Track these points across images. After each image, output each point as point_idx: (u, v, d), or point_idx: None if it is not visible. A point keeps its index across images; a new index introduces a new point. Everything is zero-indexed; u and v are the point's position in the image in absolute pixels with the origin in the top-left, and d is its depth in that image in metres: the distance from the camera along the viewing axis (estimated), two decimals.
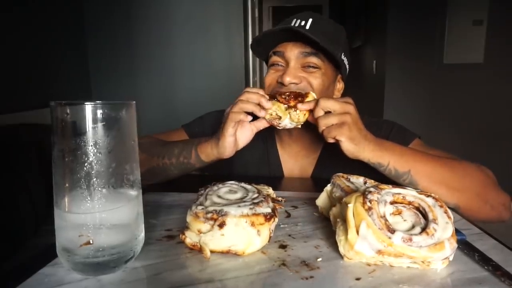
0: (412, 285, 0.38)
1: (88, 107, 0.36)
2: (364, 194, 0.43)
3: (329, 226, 0.52)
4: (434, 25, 2.43)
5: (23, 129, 1.32)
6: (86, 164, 0.36)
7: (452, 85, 2.47)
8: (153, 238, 0.49)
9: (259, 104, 0.67)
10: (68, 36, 1.88)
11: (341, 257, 0.43)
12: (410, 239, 0.39)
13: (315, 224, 0.54)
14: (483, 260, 0.42)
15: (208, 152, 0.71)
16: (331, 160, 0.85)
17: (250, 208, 0.45)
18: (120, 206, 0.38)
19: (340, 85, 0.84)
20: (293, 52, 0.75)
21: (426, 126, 2.47)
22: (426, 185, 0.64)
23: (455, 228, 0.41)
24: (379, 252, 0.40)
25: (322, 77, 0.75)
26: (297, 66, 0.75)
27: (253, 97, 0.67)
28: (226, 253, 0.44)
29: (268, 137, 0.88)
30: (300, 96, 0.67)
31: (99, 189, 0.37)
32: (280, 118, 0.67)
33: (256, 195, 0.49)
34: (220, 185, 0.53)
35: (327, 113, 0.63)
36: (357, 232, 0.40)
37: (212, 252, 0.43)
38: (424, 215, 0.42)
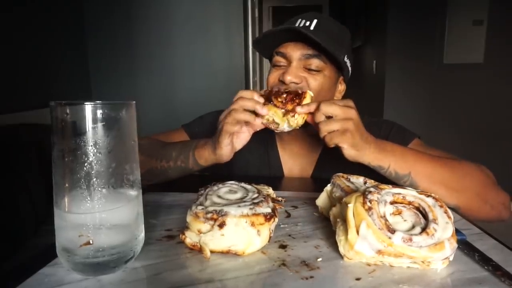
0: (412, 285, 0.38)
1: (88, 107, 0.35)
2: (364, 194, 0.43)
3: (329, 226, 0.52)
4: (434, 25, 2.43)
5: (23, 129, 1.32)
6: (86, 164, 0.36)
7: (452, 85, 2.47)
8: (153, 238, 0.49)
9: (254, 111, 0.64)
10: (68, 36, 1.88)
11: (341, 257, 0.43)
12: (410, 239, 0.39)
13: (315, 224, 0.54)
14: (483, 260, 0.42)
15: (206, 157, 0.70)
16: (332, 160, 0.85)
17: (250, 208, 0.45)
18: (120, 206, 0.38)
19: (341, 87, 0.84)
20: (295, 53, 0.75)
21: (426, 126, 2.47)
22: (426, 186, 0.63)
23: (455, 228, 0.41)
24: (379, 252, 0.40)
25: (324, 79, 0.75)
26: (299, 66, 0.75)
27: (247, 105, 0.64)
28: (226, 253, 0.44)
29: (268, 137, 0.88)
30: (297, 96, 0.65)
31: (99, 189, 0.37)
32: (278, 124, 0.65)
33: (256, 195, 0.49)
34: (220, 185, 0.53)
35: (328, 117, 0.61)
36: (357, 232, 0.40)
37: (212, 252, 0.43)
38: (424, 215, 0.42)
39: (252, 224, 0.43)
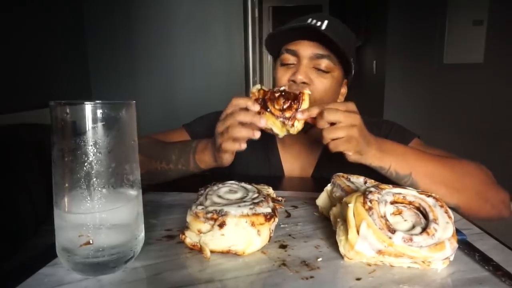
0: (412, 285, 0.38)
1: (88, 107, 0.35)
2: (365, 194, 0.43)
3: (329, 226, 0.52)
4: (434, 25, 2.43)
5: (23, 129, 1.32)
6: (86, 164, 0.36)
7: (452, 85, 2.47)
8: (153, 238, 0.49)
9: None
10: (68, 36, 1.88)
11: (342, 257, 0.43)
12: (411, 239, 0.39)
13: (315, 224, 0.54)
14: (484, 260, 0.42)
15: (206, 162, 0.70)
16: (332, 160, 0.85)
17: (250, 208, 0.44)
18: (120, 206, 0.38)
19: (344, 90, 0.84)
20: (306, 52, 0.74)
21: (426, 126, 2.47)
22: (427, 186, 0.63)
23: (455, 228, 0.41)
24: (380, 252, 0.40)
25: (331, 81, 0.76)
26: (309, 65, 0.75)
27: (245, 119, 0.59)
28: (226, 253, 0.44)
29: (268, 137, 0.88)
30: (295, 100, 0.61)
31: (99, 189, 0.37)
32: (277, 133, 0.62)
33: (256, 195, 0.49)
34: (220, 185, 0.53)
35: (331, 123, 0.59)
36: (358, 232, 0.40)
37: (212, 252, 0.43)
38: (425, 215, 0.42)
39: (252, 224, 0.43)
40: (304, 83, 0.73)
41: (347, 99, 0.74)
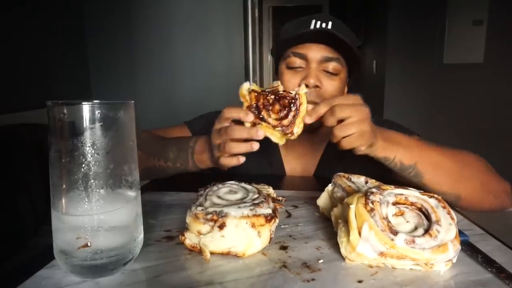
0: (414, 287, 0.37)
1: (86, 107, 0.35)
2: (366, 194, 0.42)
3: (330, 226, 0.51)
4: (434, 25, 2.43)
5: (23, 129, 1.32)
6: (83, 165, 0.35)
7: (452, 85, 2.46)
8: (152, 239, 0.48)
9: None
10: (68, 36, 1.87)
11: (343, 258, 0.43)
12: (413, 241, 0.38)
13: (316, 224, 0.54)
14: (487, 262, 0.41)
15: (205, 163, 0.69)
16: (334, 159, 0.85)
17: (251, 209, 0.44)
18: (119, 208, 0.38)
19: (345, 90, 0.84)
20: (316, 55, 0.74)
21: (426, 126, 2.47)
22: (431, 176, 0.62)
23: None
24: (382, 254, 0.39)
25: (340, 82, 0.76)
26: (319, 68, 0.75)
27: (241, 135, 0.56)
28: (226, 254, 0.43)
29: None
30: (291, 103, 0.56)
31: (97, 190, 0.36)
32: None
33: (256, 195, 0.49)
34: (220, 185, 0.52)
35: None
36: (359, 233, 0.40)
37: (212, 253, 0.43)
38: (427, 216, 0.42)
39: (253, 225, 0.43)
40: (316, 86, 0.73)
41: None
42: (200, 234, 0.44)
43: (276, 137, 0.58)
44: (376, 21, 2.92)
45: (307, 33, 0.73)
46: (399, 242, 0.38)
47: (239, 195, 0.49)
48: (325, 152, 0.85)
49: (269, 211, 0.45)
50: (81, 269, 0.37)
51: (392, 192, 0.44)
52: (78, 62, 1.98)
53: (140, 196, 0.42)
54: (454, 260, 0.41)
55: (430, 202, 0.43)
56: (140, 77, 2.05)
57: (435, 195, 0.44)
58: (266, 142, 0.88)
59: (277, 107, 0.57)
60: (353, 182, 0.54)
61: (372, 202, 0.41)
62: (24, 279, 0.38)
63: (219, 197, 0.49)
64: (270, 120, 0.57)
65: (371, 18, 3.12)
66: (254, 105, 0.57)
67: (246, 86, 0.59)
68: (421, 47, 2.48)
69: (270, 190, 0.55)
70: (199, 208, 0.45)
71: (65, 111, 0.35)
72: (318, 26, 0.73)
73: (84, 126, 0.35)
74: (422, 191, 0.45)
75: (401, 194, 0.44)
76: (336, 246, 0.44)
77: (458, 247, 0.39)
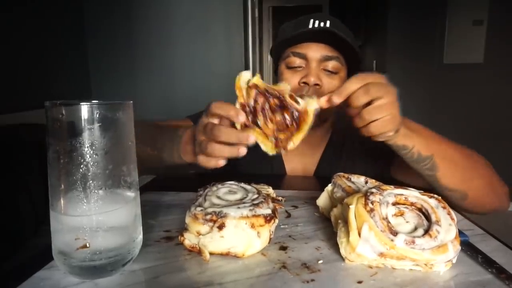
0: None
1: (84, 108, 0.35)
2: (366, 195, 0.42)
3: (330, 226, 0.51)
4: (434, 25, 2.43)
5: (23, 129, 1.31)
6: (82, 166, 0.35)
7: (452, 85, 2.46)
8: (151, 239, 0.48)
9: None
10: (68, 36, 1.87)
11: (343, 259, 0.42)
12: (413, 242, 0.38)
13: (315, 224, 0.53)
14: (487, 262, 0.41)
15: (189, 154, 0.60)
16: (334, 158, 0.85)
17: (250, 210, 0.44)
18: (117, 208, 0.38)
19: None
20: (315, 55, 0.74)
21: (426, 126, 2.47)
22: (446, 171, 0.60)
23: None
24: (381, 254, 0.39)
25: (339, 81, 0.76)
26: (319, 67, 0.75)
27: (228, 139, 0.47)
28: (226, 255, 0.43)
29: None
30: (298, 117, 0.48)
31: (96, 191, 0.36)
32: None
33: (256, 195, 0.49)
34: (219, 186, 0.52)
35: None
36: (359, 234, 0.40)
37: (211, 254, 0.43)
38: (427, 217, 0.42)
39: (252, 226, 0.43)
40: (316, 84, 0.73)
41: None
42: (199, 235, 0.43)
43: (267, 147, 0.49)
44: (376, 21, 2.92)
45: (307, 32, 0.73)
46: (399, 243, 0.38)
47: (238, 196, 0.49)
48: (326, 151, 0.85)
49: (269, 211, 0.45)
50: (80, 270, 0.37)
51: (392, 192, 0.43)
52: (78, 62, 1.98)
53: (139, 196, 0.42)
54: (454, 261, 0.40)
55: (430, 203, 0.43)
56: (140, 77, 2.05)
57: (435, 195, 0.44)
58: None
59: (278, 117, 0.48)
60: (353, 182, 0.54)
61: (372, 203, 0.41)
62: (23, 280, 0.38)
63: (218, 197, 0.48)
64: (264, 128, 0.48)
65: (371, 18, 3.12)
66: (251, 105, 0.49)
67: (245, 77, 0.50)
68: (421, 47, 2.48)
69: (270, 190, 0.55)
70: (199, 209, 0.45)
71: (63, 111, 0.35)
72: (316, 25, 0.74)
73: (83, 126, 0.35)
74: (422, 191, 0.45)
75: (401, 194, 0.44)
76: (335, 247, 0.44)
77: (458, 247, 0.39)
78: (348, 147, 0.85)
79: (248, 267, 0.41)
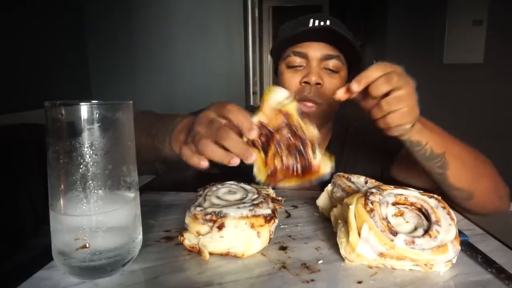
0: None
1: (84, 108, 0.35)
2: (366, 195, 0.42)
3: (330, 226, 0.51)
4: (434, 25, 2.43)
5: (23, 129, 1.31)
6: (81, 166, 0.35)
7: (452, 85, 2.46)
8: (151, 240, 0.48)
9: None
10: (68, 36, 1.87)
11: (342, 259, 0.42)
12: (413, 242, 0.38)
13: (315, 224, 0.53)
14: (487, 262, 0.41)
15: (179, 144, 0.52)
16: (335, 157, 0.85)
17: (250, 210, 0.44)
18: (117, 209, 0.38)
19: None
20: (316, 54, 0.74)
21: None
22: (456, 170, 0.59)
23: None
24: (381, 254, 0.39)
25: (340, 80, 0.75)
26: (319, 66, 0.75)
27: (231, 146, 0.42)
28: (226, 255, 0.43)
29: None
30: (300, 155, 0.43)
31: (95, 191, 0.36)
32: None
33: (255, 196, 0.49)
34: (219, 186, 0.52)
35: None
36: (359, 234, 0.40)
37: (211, 254, 0.43)
38: (427, 217, 0.42)
39: (252, 226, 0.43)
40: (317, 84, 0.73)
41: None
42: (199, 235, 0.43)
43: (259, 173, 0.45)
44: (376, 21, 2.92)
45: (307, 31, 0.72)
46: (399, 243, 0.38)
47: (238, 196, 0.49)
48: (327, 150, 0.85)
49: (269, 211, 0.45)
50: (80, 270, 0.37)
51: (392, 192, 0.43)
52: (78, 62, 1.98)
53: (139, 196, 0.42)
54: (454, 261, 0.40)
55: (430, 203, 0.43)
56: (140, 77, 2.06)
57: (435, 195, 0.44)
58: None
59: (290, 161, 0.43)
60: (352, 182, 0.54)
61: (372, 203, 0.41)
62: (22, 280, 0.38)
63: (218, 197, 0.48)
64: (271, 158, 0.44)
65: (371, 18, 3.12)
66: (271, 130, 0.43)
67: (280, 96, 0.44)
68: (421, 47, 2.48)
69: (270, 190, 0.55)
70: (198, 209, 0.45)
71: (63, 111, 0.35)
72: (316, 24, 0.74)
73: (82, 126, 0.35)
74: (421, 191, 0.45)
75: (401, 194, 0.44)
76: (335, 247, 0.44)
77: (458, 247, 0.39)
78: (348, 147, 0.85)
79: (248, 267, 0.41)
